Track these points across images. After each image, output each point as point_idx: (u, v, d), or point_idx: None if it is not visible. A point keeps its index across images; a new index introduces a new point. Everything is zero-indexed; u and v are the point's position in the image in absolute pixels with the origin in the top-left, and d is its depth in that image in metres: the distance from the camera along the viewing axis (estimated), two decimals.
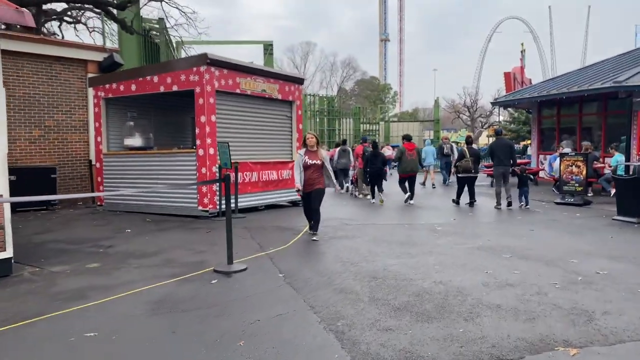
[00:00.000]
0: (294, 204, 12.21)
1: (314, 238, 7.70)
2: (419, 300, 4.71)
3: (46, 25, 24.61)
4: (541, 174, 18.25)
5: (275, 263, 6.27)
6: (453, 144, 17.81)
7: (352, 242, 7.54)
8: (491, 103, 24.17)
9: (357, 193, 14.57)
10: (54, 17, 21.24)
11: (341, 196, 14.73)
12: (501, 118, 46.70)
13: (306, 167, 7.70)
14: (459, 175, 11.96)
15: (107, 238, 8.09)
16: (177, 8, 15.63)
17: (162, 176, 10.53)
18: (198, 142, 9.96)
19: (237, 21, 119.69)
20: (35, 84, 12.14)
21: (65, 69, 12.70)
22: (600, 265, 5.97)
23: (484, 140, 49.45)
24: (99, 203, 11.84)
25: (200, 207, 9.98)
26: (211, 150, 9.91)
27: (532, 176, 12.32)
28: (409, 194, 12.40)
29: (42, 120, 12.29)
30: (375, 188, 12.83)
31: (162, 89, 10.45)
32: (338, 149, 15.53)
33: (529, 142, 30.83)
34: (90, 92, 12.19)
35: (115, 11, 14.35)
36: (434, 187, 17.00)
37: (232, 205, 10.07)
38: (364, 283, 5.31)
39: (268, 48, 32.80)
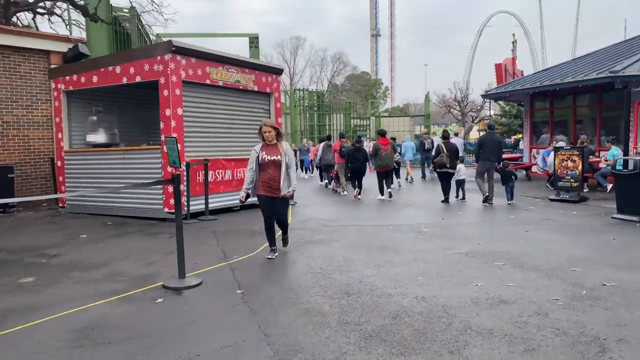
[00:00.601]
0: None
1: (279, 251, 6.41)
2: (397, 323, 3.94)
3: (18, 16, 23.59)
4: (534, 168, 17.56)
5: (237, 275, 5.49)
6: (435, 139, 17.52)
7: (328, 248, 6.76)
8: (482, 96, 23.46)
9: (337, 189, 14.10)
10: (26, 7, 20.19)
11: (324, 193, 14.02)
12: (492, 112, 46.06)
13: (264, 165, 6.05)
14: (437, 171, 11.58)
15: (56, 245, 7.26)
16: None
17: (126, 175, 9.69)
18: (163, 137, 9.13)
19: (225, 17, 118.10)
20: None
21: (26, 61, 11.77)
22: (606, 275, 5.23)
23: (475, 135, 48.78)
24: (61, 205, 10.96)
25: (166, 209, 9.16)
26: (177, 147, 9.09)
27: (516, 173, 11.79)
28: (386, 193, 12.13)
29: None
30: (356, 183, 12.63)
31: (124, 80, 9.59)
32: (322, 144, 14.91)
33: (520, 135, 30.20)
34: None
35: None
36: (412, 182, 16.61)
37: (202, 206, 9.32)
38: (334, 301, 4.54)
39: (254, 41, 31.73)
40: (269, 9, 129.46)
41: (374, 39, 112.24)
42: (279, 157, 6.06)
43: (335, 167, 14.16)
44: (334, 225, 8.66)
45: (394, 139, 16.32)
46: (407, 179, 16.95)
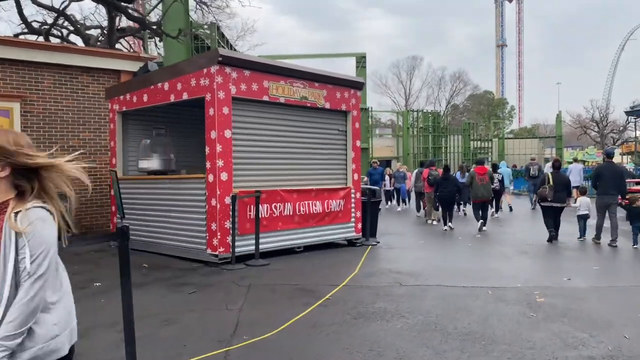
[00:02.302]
0: (350, 243, 9.49)
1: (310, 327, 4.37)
2: None
3: (130, 42, 24.40)
4: None
5: None
6: (544, 166, 16.63)
7: (383, 330, 4.63)
8: (625, 112, 19.65)
9: (427, 219, 13.09)
10: (130, 33, 20.59)
11: (416, 227, 12.26)
12: (638, 133, 39.98)
13: None
14: (542, 204, 10.06)
15: None
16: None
17: (172, 207, 8.37)
18: (208, 165, 7.64)
19: (350, 43, 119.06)
20: (57, 99, 10.64)
21: (95, 81, 11.13)
22: None
23: (617, 159, 42.70)
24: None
25: (209, 250, 7.60)
26: (224, 176, 7.53)
27: None
28: (481, 221, 11.22)
29: (65, 140, 10.75)
30: (447, 214, 11.73)
31: (172, 98, 8.31)
32: (416, 171, 13.29)
33: None
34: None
35: (130, 9, 12.61)
36: (511, 211, 15.40)
37: (252, 247, 7.66)
38: None
39: (361, 60, 30.27)
40: (393, 33, 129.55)
41: (499, 54, 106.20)
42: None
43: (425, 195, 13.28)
44: (410, 283, 6.47)
45: (495, 166, 14.66)
46: (503, 207, 15.33)
